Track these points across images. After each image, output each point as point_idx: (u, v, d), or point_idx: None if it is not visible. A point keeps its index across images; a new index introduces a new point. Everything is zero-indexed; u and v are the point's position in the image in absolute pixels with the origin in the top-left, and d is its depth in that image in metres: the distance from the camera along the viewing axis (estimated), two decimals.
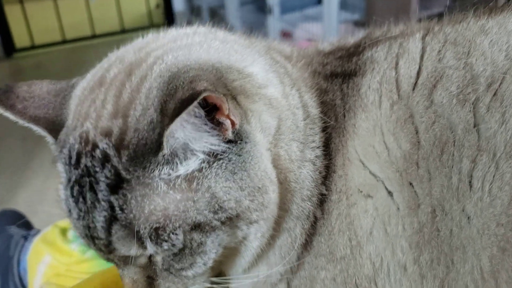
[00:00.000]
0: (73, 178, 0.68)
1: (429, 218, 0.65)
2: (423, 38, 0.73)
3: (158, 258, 0.70)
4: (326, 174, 0.75)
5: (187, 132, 0.63)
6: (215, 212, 0.66)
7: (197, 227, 0.66)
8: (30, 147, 2.89)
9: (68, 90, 0.78)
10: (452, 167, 0.64)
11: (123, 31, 4.70)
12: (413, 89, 0.69)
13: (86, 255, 1.40)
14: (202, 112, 0.63)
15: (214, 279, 0.77)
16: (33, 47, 4.36)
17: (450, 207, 0.64)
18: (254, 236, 0.72)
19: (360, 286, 0.73)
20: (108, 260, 0.73)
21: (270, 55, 0.79)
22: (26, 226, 1.65)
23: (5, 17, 4.07)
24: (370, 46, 0.78)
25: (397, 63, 0.72)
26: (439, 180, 0.64)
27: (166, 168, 0.64)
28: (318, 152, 0.75)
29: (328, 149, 0.75)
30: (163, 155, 0.63)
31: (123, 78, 0.69)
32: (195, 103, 0.59)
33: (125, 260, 0.70)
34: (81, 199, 0.67)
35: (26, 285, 1.44)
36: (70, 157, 0.68)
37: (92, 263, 1.39)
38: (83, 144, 0.67)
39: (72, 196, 0.68)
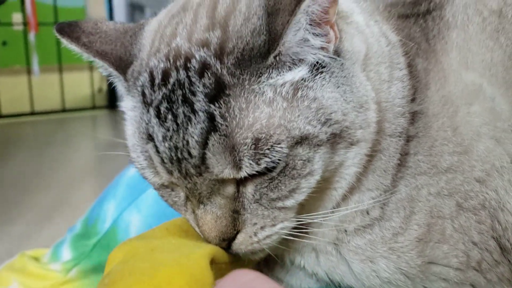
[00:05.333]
0: (159, 97, 0.64)
1: None
2: None
3: (249, 188, 0.66)
4: (415, 92, 0.76)
5: (305, 28, 0.63)
6: (323, 124, 0.64)
7: (303, 139, 0.63)
8: None
9: (138, 27, 0.77)
10: None
11: (64, 110, 4.59)
12: (504, 4, 0.75)
13: (70, 274, 1.21)
14: (318, 9, 0.63)
15: (302, 216, 0.71)
16: None
17: None
18: (351, 162, 0.70)
19: (469, 193, 0.71)
20: (190, 192, 0.67)
21: None
22: None
23: None
24: None
25: None
26: None
27: (274, 73, 0.64)
28: (405, 71, 0.77)
29: (413, 71, 0.78)
30: (275, 56, 0.63)
31: None
32: None
33: (212, 189, 0.65)
34: (170, 117, 0.63)
35: None
36: (152, 80, 0.66)
37: (75, 284, 1.20)
38: (171, 60, 0.65)
39: (158, 117, 0.64)
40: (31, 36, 4.31)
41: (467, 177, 0.72)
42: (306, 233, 0.73)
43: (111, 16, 4.57)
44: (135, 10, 4.59)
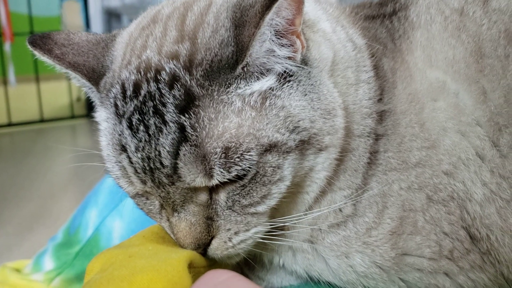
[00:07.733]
0: (131, 109, 0.66)
1: (503, 101, 0.70)
2: None
3: (222, 195, 0.68)
4: (382, 92, 0.79)
5: (270, 39, 0.65)
6: (291, 131, 0.66)
7: (272, 147, 0.65)
8: None
9: (110, 38, 0.78)
10: None
11: (42, 120, 4.53)
12: (465, 2, 0.78)
13: (53, 283, 1.21)
14: (282, 21, 0.65)
15: (276, 220, 0.73)
16: None
17: None
18: (321, 166, 0.72)
19: (438, 185, 0.74)
20: (164, 201, 0.68)
21: None
22: None
23: None
24: None
25: None
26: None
27: (243, 84, 0.65)
28: (371, 73, 0.80)
29: (379, 72, 0.80)
30: (243, 67, 0.65)
31: (183, 10, 0.71)
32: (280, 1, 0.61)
33: (185, 197, 0.67)
34: (142, 128, 0.65)
35: None
36: (124, 91, 0.68)
37: None
38: (142, 72, 0.67)
39: (130, 128, 0.66)
40: (7, 46, 4.24)
41: (435, 171, 0.74)
42: (281, 234, 0.75)
43: (87, 25, 4.54)
44: (112, 18, 4.57)
